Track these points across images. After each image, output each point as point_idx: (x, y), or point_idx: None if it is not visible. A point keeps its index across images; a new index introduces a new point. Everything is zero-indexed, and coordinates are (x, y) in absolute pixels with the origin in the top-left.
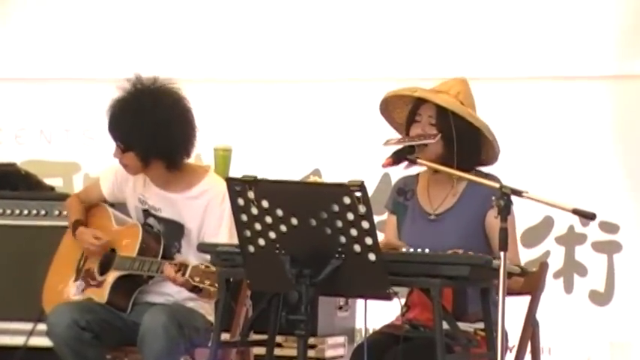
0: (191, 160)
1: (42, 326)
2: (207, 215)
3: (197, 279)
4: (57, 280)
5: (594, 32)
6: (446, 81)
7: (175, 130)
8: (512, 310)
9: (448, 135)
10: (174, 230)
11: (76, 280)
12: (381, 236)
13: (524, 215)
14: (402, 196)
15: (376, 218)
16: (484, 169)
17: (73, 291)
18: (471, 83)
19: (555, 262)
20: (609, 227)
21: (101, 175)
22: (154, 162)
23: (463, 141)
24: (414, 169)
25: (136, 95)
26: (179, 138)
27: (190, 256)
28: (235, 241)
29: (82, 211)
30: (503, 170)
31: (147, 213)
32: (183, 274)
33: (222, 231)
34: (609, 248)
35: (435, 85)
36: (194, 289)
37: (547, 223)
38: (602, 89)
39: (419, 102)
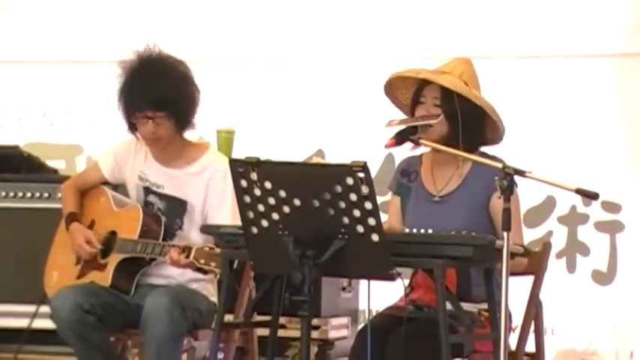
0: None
1: (45, 308)
2: (210, 190)
3: (202, 261)
4: (58, 263)
5: (600, 10)
6: (450, 61)
7: (194, 90)
8: (516, 291)
9: (452, 116)
10: (176, 207)
11: (77, 263)
12: (384, 217)
13: (526, 195)
14: (406, 177)
15: (379, 199)
16: (488, 149)
17: (74, 275)
18: (474, 62)
19: (558, 242)
20: (612, 207)
21: (100, 158)
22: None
23: (467, 121)
24: (418, 150)
25: (150, 60)
26: (196, 100)
27: (192, 233)
28: (238, 216)
29: (77, 200)
30: (506, 150)
31: (147, 190)
32: (188, 256)
33: (226, 205)
34: (612, 228)
35: (438, 64)
36: (199, 270)
37: (549, 203)
38: (605, 68)
39: (423, 83)
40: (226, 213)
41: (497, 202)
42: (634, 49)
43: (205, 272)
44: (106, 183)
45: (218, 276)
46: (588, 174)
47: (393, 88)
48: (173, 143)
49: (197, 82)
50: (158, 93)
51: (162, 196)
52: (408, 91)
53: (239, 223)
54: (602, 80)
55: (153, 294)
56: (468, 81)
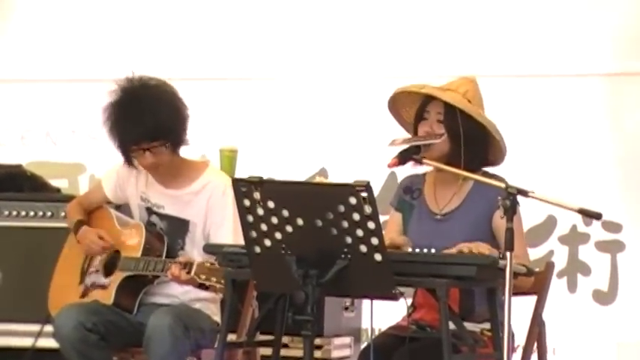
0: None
1: (49, 328)
2: (210, 208)
3: (203, 277)
4: (62, 283)
5: (594, 30)
6: (455, 79)
7: (184, 113)
8: (519, 310)
9: (455, 133)
10: (178, 227)
11: (81, 283)
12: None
13: (527, 215)
14: (409, 194)
15: (382, 218)
16: (490, 169)
17: (78, 294)
18: (481, 80)
19: (559, 262)
20: (612, 226)
21: (103, 178)
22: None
23: (470, 140)
24: (421, 168)
25: (134, 90)
26: (186, 121)
27: (194, 252)
28: (241, 232)
29: (83, 213)
30: (505, 169)
31: (149, 211)
32: (189, 272)
33: (227, 223)
34: (612, 247)
35: (442, 83)
36: (200, 286)
37: (550, 223)
38: (605, 87)
39: (427, 99)
40: (227, 230)
41: (499, 221)
42: (630, 68)
43: (207, 288)
44: (109, 203)
45: (221, 295)
46: (588, 193)
47: (397, 105)
48: (172, 164)
49: (192, 101)
50: (151, 124)
51: (163, 217)
52: (411, 108)
53: (241, 240)
54: (600, 100)
55: (156, 313)
56: (471, 99)
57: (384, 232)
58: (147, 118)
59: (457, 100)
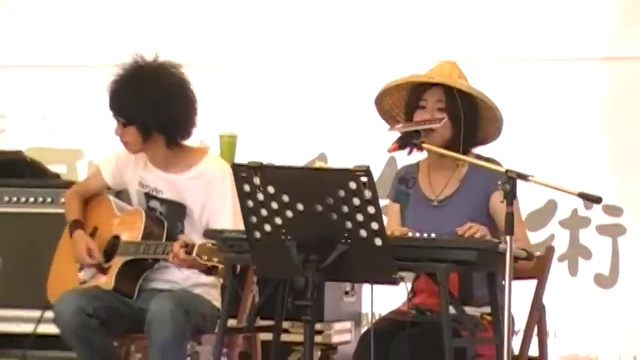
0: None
1: (49, 314)
2: (209, 196)
3: (204, 257)
4: (61, 270)
5: (597, 14)
6: (440, 65)
7: (176, 104)
8: (519, 294)
9: (458, 118)
10: (177, 211)
11: (80, 269)
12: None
13: (527, 199)
14: (404, 184)
15: (382, 202)
16: (483, 149)
17: (86, 272)
18: (472, 65)
19: (559, 246)
20: (613, 210)
21: (101, 163)
22: (154, 137)
23: (470, 123)
24: (415, 158)
25: (137, 69)
26: (180, 113)
27: (194, 236)
28: (240, 220)
29: (80, 208)
30: (505, 153)
31: (148, 196)
32: (190, 253)
33: (226, 210)
34: (613, 231)
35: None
36: (208, 271)
37: (550, 207)
38: (605, 71)
39: (422, 87)
40: (227, 218)
41: (496, 203)
42: (630, 52)
43: (208, 271)
44: (108, 189)
45: (221, 280)
46: (589, 177)
47: (380, 96)
48: (168, 150)
49: (193, 91)
50: (117, 100)
51: (162, 201)
52: (392, 97)
53: (240, 227)
54: (601, 83)
55: (157, 298)
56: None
57: (384, 218)
58: (123, 96)
59: (464, 85)
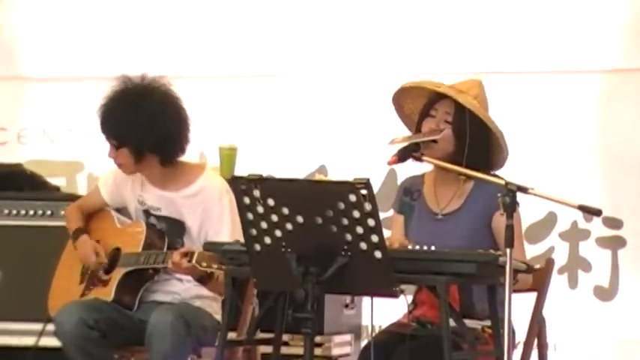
0: (193, 158)
1: (51, 327)
2: (207, 214)
3: (204, 264)
4: (63, 284)
5: (595, 26)
6: (464, 81)
7: (167, 123)
8: (519, 307)
9: (462, 134)
10: (176, 228)
11: (81, 282)
12: (386, 233)
13: (527, 211)
14: (409, 196)
15: (382, 215)
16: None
17: (78, 294)
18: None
19: (559, 258)
20: (613, 223)
21: (100, 181)
22: (147, 158)
23: (476, 143)
24: (420, 169)
25: (124, 91)
26: (171, 131)
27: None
28: (238, 238)
29: (81, 218)
30: (505, 166)
31: (147, 213)
32: (190, 261)
33: (224, 229)
34: (613, 244)
35: (440, 80)
36: (202, 280)
37: (550, 219)
38: (604, 84)
39: (436, 97)
40: (224, 237)
41: (499, 221)
42: (632, 64)
43: (209, 280)
44: (107, 206)
45: (221, 285)
46: (589, 189)
47: (402, 96)
48: (164, 168)
49: (184, 107)
50: (107, 124)
51: (160, 218)
52: (414, 102)
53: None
54: (602, 96)
55: (158, 310)
56: (480, 103)
57: (386, 232)
58: (110, 121)
59: (472, 104)
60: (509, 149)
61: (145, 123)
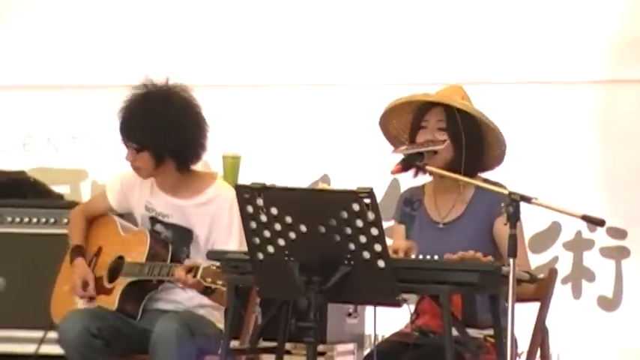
0: (197, 166)
1: (52, 334)
2: (215, 223)
3: (209, 280)
4: (65, 290)
5: (585, 38)
6: (445, 88)
7: (188, 128)
8: (522, 317)
9: (458, 138)
10: (183, 236)
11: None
12: (389, 242)
13: (531, 221)
14: (409, 206)
15: (385, 224)
16: (489, 174)
17: (82, 301)
18: (473, 88)
19: (563, 268)
20: (617, 233)
21: (107, 186)
22: (166, 162)
23: (472, 144)
24: (420, 180)
25: (148, 95)
26: (192, 137)
27: (199, 261)
28: (245, 248)
29: (84, 230)
30: (508, 175)
31: (154, 220)
32: (195, 276)
33: (233, 239)
34: (617, 254)
35: (438, 90)
36: (206, 291)
37: (554, 229)
38: (606, 94)
39: (423, 109)
40: (233, 246)
41: (501, 228)
42: (632, 75)
43: (212, 292)
44: (113, 211)
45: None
46: (593, 200)
47: (386, 118)
48: (178, 174)
49: (203, 115)
50: (130, 126)
51: (168, 225)
52: (399, 121)
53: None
54: (605, 106)
55: (162, 319)
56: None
57: (388, 241)
58: (134, 121)
59: (464, 104)
60: (507, 149)
61: (167, 127)
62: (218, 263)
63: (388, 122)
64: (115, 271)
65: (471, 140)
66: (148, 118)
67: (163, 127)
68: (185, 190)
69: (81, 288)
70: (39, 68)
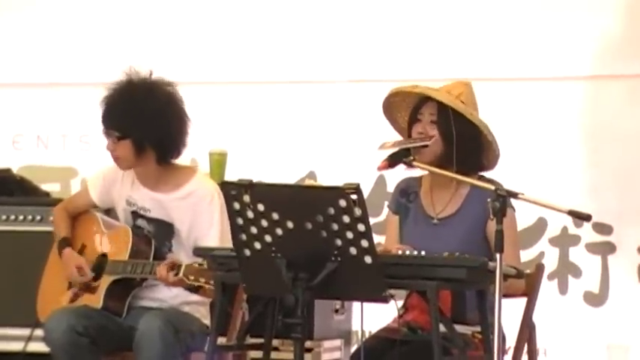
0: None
1: (39, 332)
2: (196, 217)
3: (191, 277)
4: (50, 289)
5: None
6: (452, 83)
7: (171, 120)
8: (509, 312)
9: (448, 134)
10: (165, 230)
11: (69, 287)
12: (376, 238)
13: (517, 217)
14: (405, 197)
15: (371, 220)
16: (486, 173)
17: (67, 299)
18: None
19: (549, 264)
20: (603, 228)
21: (89, 182)
22: (147, 153)
23: (463, 141)
24: (418, 171)
25: (131, 85)
26: (174, 129)
27: (182, 255)
28: (227, 242)
29: (68, 225)
30: (495, 171)
31: (136, 214)
32: (177, 274)
33: (213, 232)
34: (603, 249)
35: (432, 86)
36: (190, 288)
37: (540, 225)
38: (594, 90)
39: (421, 101)
40: (213, 241)
41: (493, 226)
42: (621, 70)
43: (196, 290)
44: (95, 207)
45: (210, 299)
46: (579, 195)
47: (393, 110)
48: (159, 167)
49: (185, 110)
50: (111, 114)
51: (150, 220)
52: (406, 113)
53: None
54: (591, 102)
55: (146, 317)
56: (465, 101)
57: (376, 237)
58: (115, 112)
59: (450, 99)
60: (499, 150)
61: (150, 117)
62: (201, 260)
63: (396, 114)
64: (98, 269)
65: (462, 136)
66: (130, 106)
67: (146, 117)
68: (165, 184)
69: (77, 274)
70: (28, 66)
